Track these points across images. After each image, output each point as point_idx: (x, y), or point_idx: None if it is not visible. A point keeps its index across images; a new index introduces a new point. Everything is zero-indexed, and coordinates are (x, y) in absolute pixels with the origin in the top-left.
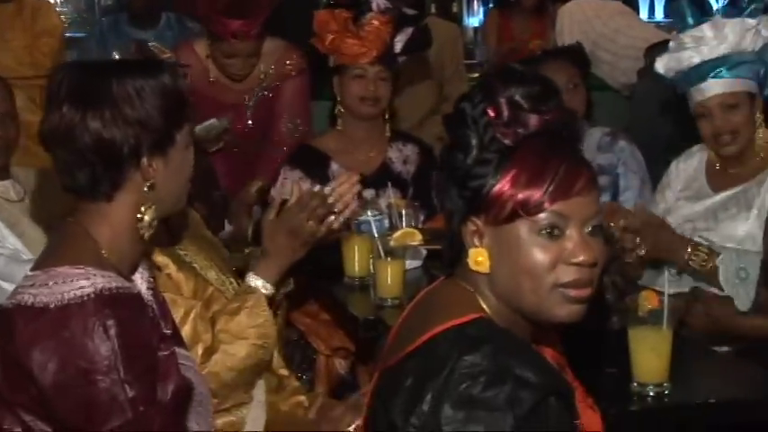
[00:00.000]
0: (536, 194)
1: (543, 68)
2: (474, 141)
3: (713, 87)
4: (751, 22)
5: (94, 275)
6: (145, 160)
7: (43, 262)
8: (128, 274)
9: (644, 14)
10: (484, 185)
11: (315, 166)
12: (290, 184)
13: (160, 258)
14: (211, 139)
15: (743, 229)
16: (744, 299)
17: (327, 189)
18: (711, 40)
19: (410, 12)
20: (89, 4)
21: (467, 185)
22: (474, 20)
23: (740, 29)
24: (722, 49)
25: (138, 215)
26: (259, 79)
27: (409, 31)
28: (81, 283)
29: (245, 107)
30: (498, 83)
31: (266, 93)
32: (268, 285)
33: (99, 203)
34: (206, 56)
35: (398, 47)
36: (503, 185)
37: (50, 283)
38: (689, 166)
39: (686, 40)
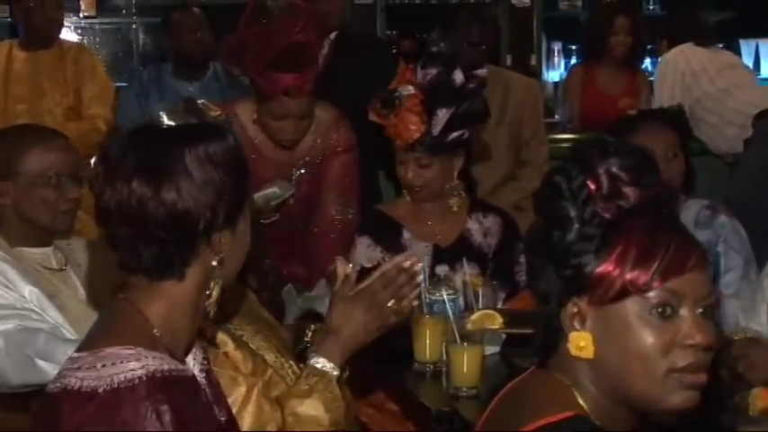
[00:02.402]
0: (647, 272)
1: (638, 133)
2: (573, 216)
3: None
4: None
5: (146, 357)
6: (217, 234)
7: (90, 342)
8: (181, 356)
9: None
10: (587, 263)
11: (385, 233)
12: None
13: (219, 336)
14: (269, 210)
15: None
16: None
17: (405, 264)
18: None
19: (458, 77)
20: (127, 48)
21: (567, 264)
22: (554, 74)
23: None
24: None
25: (207, 292)
26: (308, 149)
27: (453, 108)
28: (131, 365)
29: (289, 181)
30: (595, 154)
31: (312, 167)
32: (334, 367)
33: (163, 281)
34: (251, 120)
35: (437, 128)
36: (609, 263)
37: (99, 365)
38: None
39: None
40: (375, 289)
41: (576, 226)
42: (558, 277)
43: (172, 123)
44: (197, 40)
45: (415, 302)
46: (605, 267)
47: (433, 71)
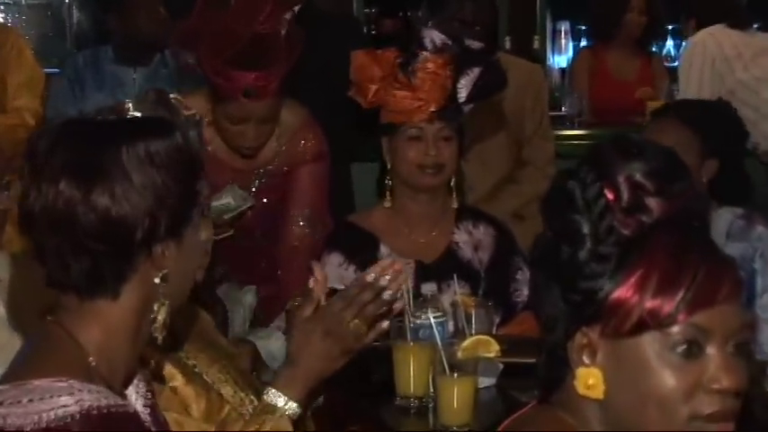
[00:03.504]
0: (670, 302)
1: (657, 130)
2: (586, 231)
3: None
4: None
5: (80, 390)
6: (159, 245)
7: (14, 373)
8: (121, 388)
9: None
10: (600, 288)
11: (359, 249)
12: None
13: (165, 367)
14: (222, 224)
15: None
16: None
17: (368, 278)
18: None
19: (476, 45)
20: (59, 28)
21: (577, 287)
22: (561, 59)
23: None
24: None
25: (152, 315)
26: (272, 156)
27: (476, 71)
28: (63, 400)
29: (248, 191)
30: (615, 156)
31: (275, 178)
32: (292, 404)
33: (95, 301)
34: (205, 119)
35: (463, 93)
36: (626, 289)
37: (25, 400)
38: None
39: None
40: (335, 309)
41: (590, 243)
42: (566, 301)
43: (136, 115)
44: (153, 18)
45: (385, 323)
46: (622, 294)
47: (437, 38)
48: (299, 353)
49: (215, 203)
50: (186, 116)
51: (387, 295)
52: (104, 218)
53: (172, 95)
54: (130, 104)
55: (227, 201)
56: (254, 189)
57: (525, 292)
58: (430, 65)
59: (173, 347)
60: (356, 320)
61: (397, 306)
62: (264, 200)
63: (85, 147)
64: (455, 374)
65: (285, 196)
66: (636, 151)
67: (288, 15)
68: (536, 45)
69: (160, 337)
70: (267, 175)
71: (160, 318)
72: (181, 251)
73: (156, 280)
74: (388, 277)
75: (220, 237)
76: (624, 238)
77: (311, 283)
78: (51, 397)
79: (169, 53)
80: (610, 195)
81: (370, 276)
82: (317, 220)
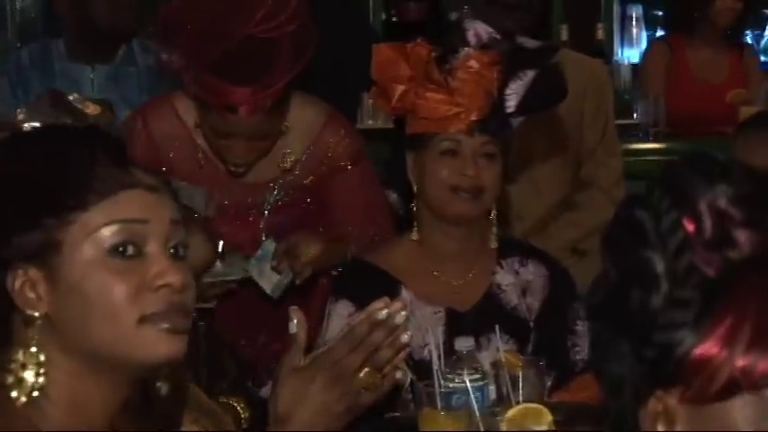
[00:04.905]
0: (767, 359)
1: (750, 144)
2: (661, 271)
3: None
4: None
5: None
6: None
7: None
8: None
9: None
10: (679, 342)
11: (375, 295)
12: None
13: None
14: (208, 297)
15: None
16: None
17: (380, 315)
18: None
19: (531, 44)
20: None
21: (650, 340)
22: (631, 53)
23: None
24: None
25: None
26: (281, 168)
27: (530, 75)
28: None
29: (258, 215)
30: (695, 179)
31: (294, 192)
32: None
33: None
34: (195, 123)
35: (512, 102)
36: (712, 344)
37: None
38: None
39: None
40: (338, 354)
41: (666, 286)
42: (637, 359)
43: (34, 125)
44: (115, 4)
45: (399, 373)
46: (707, 349)
47: (483, 32)
48: (292, 410)
49: (208, 279)
50: (91, 117)
51: (404, 338)
52: None
53: (72, 96)
54: (23, 114)
55: (224, 270)
56: (267, 209)
57: (587, 347)
58: (473, 63)
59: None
60: (366, 368)
61: (405, 339)
62: (280, 223)
63: None
64: None
65: (316, 217)
66: (719, 172)
67: (293, 12)
68: (600, 35)
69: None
70: (285, 187)
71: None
72: (58, 288)
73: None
74: (404, 314)
75: (206, 306)
76: (707, 279)
77: (292, 327)
78: None
79: (138, 47)
80: (689, 227)
81: (382, 313)
82: (381, 236)
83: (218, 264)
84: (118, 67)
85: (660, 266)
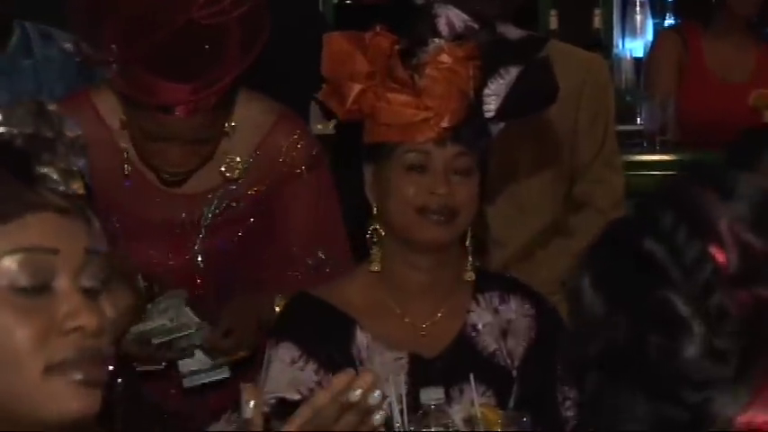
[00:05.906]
0: None
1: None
2: (687, 314)
3: None
4: None
5: None
6: None
7: None
8: None
9: None
10: (719, 404)
11: (324, 337)
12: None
13: None
14: (151, 354)
15: None
16: None
17: (353, 396)
18: None
19: (513, 33)
20: None
21: (680, 400)
22: (635, 45)
23: None
24: None
25: None
26: (223, 175)
27: (513, 72)
28: None
29: (194, 232)
30: (712, 198)
31: (236, 205)
32: None
33: None
34: (119, 121)
35: (492, 104)
36: (757, 410)
37: None
38: None
39: None
40: (325, 415)
41: (699, 331)
42: (659, 421)
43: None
44: None
45: None
46: (752, 417)
47: (457, 20)
48: None
49: (142, 328)
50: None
51: (378, 418)
52: None
53: (51, 107)
54: None
55: (161, 322)
56: (204, 225)
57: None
58: (445, 57)
59: None
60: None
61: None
62: (217, 244)
63: None
64: None
65: (267, 232)
66: (732, 187)
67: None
68: (596, 23)
69: None
70: (226, 198)
71: None
72: None
73: None
74: (378, 393)
75: (149, 368)
76: (742, 323)
77: (247, 411)
78: None
79: (35, 34)
80: (719, 257)
81: (355, 394)
82: (333, 261)
83: (153, 310)
84: (11, 57)
85: (685, 308)
